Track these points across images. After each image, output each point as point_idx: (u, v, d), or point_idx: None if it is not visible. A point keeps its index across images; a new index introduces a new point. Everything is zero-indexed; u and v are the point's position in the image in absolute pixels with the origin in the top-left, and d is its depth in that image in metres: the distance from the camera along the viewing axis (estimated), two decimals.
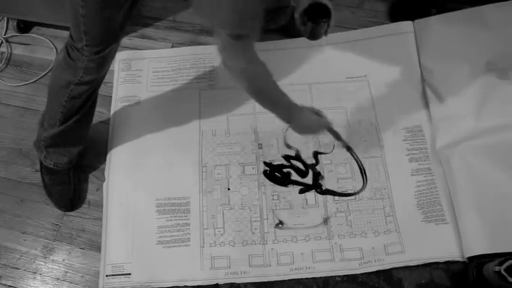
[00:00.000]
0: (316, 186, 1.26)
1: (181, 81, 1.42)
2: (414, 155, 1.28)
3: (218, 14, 0.80)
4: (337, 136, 1.22)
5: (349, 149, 1.29)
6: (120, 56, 1.46)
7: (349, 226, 1.21)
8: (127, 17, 1.01)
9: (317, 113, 1.11)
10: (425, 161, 1.27)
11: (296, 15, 1.05)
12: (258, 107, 1.35)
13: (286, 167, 1.29)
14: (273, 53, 1.44)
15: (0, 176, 1.33)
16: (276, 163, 1.29)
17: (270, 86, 0.99)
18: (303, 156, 1.30)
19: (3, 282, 1.20)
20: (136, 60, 1.46)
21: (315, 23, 1.02)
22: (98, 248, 1.21)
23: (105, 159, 1.32)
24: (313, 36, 1.06)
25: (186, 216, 1.23)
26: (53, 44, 1.53)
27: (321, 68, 1.41)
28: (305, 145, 1.31)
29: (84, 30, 0.96)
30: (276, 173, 1.28)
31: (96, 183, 1.31)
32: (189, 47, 1.48)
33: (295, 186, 1.26)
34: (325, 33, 1.05)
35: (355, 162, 1.28)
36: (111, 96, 1.41)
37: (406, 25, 1.45)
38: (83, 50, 1.00)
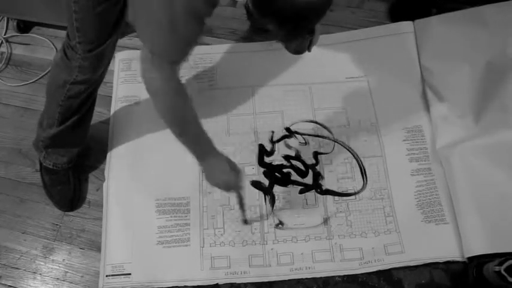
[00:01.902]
0: (316, 186, 1.26)
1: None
2: (414, 155, 1.28)
3: (158, 39, 0.79)
4: (240, 202, 1.13)
5: (245, 222, 1.20)
6: (120, 56, 1.46)
7: (349, 226, 1.21)
8: (122, 13, 0.99)
9: (234, 169, 1.00)
10: (425, 161, 1.27)
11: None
12: (258, 107, 1.37)
13: (286, 167, 1.29)
14: (273, 53, 1.44)
15: (0, 176, 1.33)
16: (276, 163, 1.29)
17: (186, 109, 0.91)
18: (303, 156, 1.30)
19: (3, 282, 1.20)
20: (136, 60, 1.46)
21: None
22: (98, 248, 1.21)
23: (105, 159, 1.32)
24: (296, 51, 1.06)
25: (186, 216, 1.23)
26: (53, 44, 1.53)
27: (321, 68, 1.41)
28: (305, 145, 1.31)
29: (77, 26, 0.96)
30: (276, 173, 1.28)
31: (96, 183, 1.31)
32: None
33: (295, 186, 1.26)
34: (309, 48, 1.05)
35: (356, 162, 1.28)
36: (111, 96, 1.41)
37: (406, 25, 1.45)
38: (77, 47, 1.00)
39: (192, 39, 0.82)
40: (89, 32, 0.98)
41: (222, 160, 1.00)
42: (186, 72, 1.43)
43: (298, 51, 1.06)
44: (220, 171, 1.00)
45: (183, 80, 1.42)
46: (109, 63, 1.11)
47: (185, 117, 0.92)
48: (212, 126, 1.34)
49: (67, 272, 1.21)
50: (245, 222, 1.21)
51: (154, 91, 0.87)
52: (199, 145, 0.98)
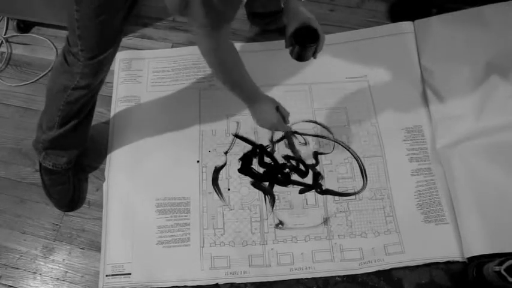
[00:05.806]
0: (316, 186, 1.26)
1: (181, 81, 1.42)
2: (414, 155, 1.28)
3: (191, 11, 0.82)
4: (291, 145, 1.26)
5: (297, 158, 1.29)
6: (120, 56, 1.46)
7: (349, 226, 1.21)
8: (124, 21, 0.99)
9: (281, 112, 1.12)
10: (425, 161, 1.27)
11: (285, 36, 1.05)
12: None
13: (286, 167, 1.29)
14: (273, 53, 1.44)
15: (0, 176, 1.33)
16: (276, 163, 1.29)
17: (237, 64, 1.02)
18: (303, 156, 1.30)
19: (3, 282, 1.20)
20: (136, 60, 1.46)
21: (302, 46, 1.02)
22: (98, 248, 1.21)
23: (105, 159, 1.32)
24: (300, 58, 1.06)
25: (186, 216, 1.23)
26: (53, 44, 1.53)
27: (321, 68, 1.41)
28: (305, 145, 1.31)
29: (78, 34, 0.95)
30: (276, 173, 1.28)
31: (96, 183, 1.31)
32: (189, 47, 1.48)
33: (295, 186, 1.26)
34: (314, 55, 1.05)
35: (356, 162, 1.28)
36: (111, 96, 1.41)
37: (406, 25, 1.45)
38: (78, 55, 0.99)
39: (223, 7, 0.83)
40: (91, 40, 0.97)
41: (267, 103, 1.11)
42: (186, 72, 1.43)
43: (302, 58, 1.06)
44: (264, 113, 1.11)
45: (185, 80, 1.42)
46: (109, 67, 1.10)
47: (230, 69, 1.01)
48: (212, 126, 1.34)
49: (67, 272, 1.21)
50: (296, 158, 1.29)
51: (204, 52, 0.95)
52: (249, 93, 1.09)
